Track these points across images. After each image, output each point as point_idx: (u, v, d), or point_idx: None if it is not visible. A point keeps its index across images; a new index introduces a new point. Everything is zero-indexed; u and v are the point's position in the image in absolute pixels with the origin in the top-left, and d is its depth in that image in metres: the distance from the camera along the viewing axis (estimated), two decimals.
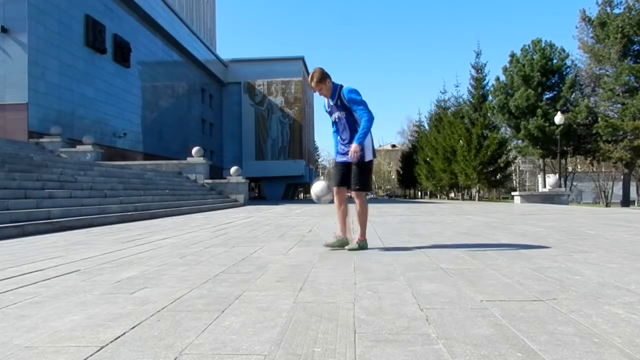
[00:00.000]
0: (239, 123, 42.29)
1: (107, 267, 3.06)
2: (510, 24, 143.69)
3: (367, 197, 3.90)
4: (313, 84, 3.65)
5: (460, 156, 34.31)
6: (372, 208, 14.45)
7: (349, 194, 3.87)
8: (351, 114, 3.66)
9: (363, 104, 3.61)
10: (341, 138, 3.78)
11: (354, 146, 3.56)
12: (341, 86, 3.70)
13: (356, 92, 3.66)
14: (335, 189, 3.83)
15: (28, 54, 16.71)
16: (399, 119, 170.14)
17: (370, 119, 3.60)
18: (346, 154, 3.70)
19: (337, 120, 3.75)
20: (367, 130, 3.60)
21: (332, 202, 3.90)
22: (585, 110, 26.84)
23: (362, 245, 3.76)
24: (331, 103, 3.74)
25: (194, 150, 18.11)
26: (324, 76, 3.63)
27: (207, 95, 38.69)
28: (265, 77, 41.93)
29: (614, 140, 25.69)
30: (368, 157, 3.69)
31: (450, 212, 10.64)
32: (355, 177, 3.68)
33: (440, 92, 65.27)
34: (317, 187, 3.85)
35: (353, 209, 3.85)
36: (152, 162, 18.27)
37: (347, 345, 1.44)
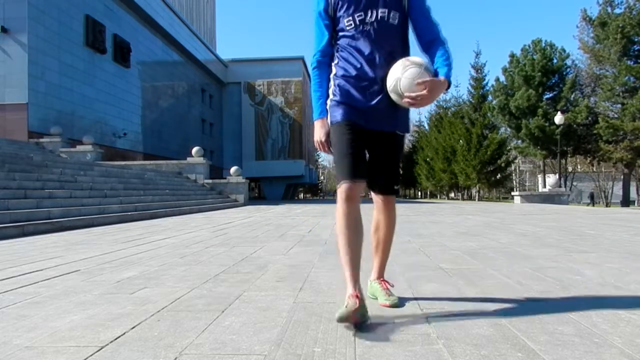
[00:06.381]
0: (239, 123, 42.24)
1: (107, 267, 3.06)
2: (510, 24, 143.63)
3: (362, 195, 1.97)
4: None
5: (460, 156, 34.27)
6: (372, 209, 14.26)
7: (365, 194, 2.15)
8: (406, 21, 1.84)
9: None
10: (367, 65, 1.77)
11: (437, 80, 1.67)
12: None
13: None
14: (354, 183, 1.75)
15: (28, 54, 16.70)
16: None
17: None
18: (375, 96, 1.78)
19: (371, 21, 1.76)
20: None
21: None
22: (585, 111, 26.83)
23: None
24: None
25: (194, 150, 18.11)
26: None
27: (207, 95, 38.65)
28: (265, 77, 41.85)
29: (614, 141, 25.68)
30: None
31: (450, 212, 10.63)
32: (395, 164, 1.99)
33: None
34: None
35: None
36: (152, 162, 18.25)
37: (347, 345, 1.44)
